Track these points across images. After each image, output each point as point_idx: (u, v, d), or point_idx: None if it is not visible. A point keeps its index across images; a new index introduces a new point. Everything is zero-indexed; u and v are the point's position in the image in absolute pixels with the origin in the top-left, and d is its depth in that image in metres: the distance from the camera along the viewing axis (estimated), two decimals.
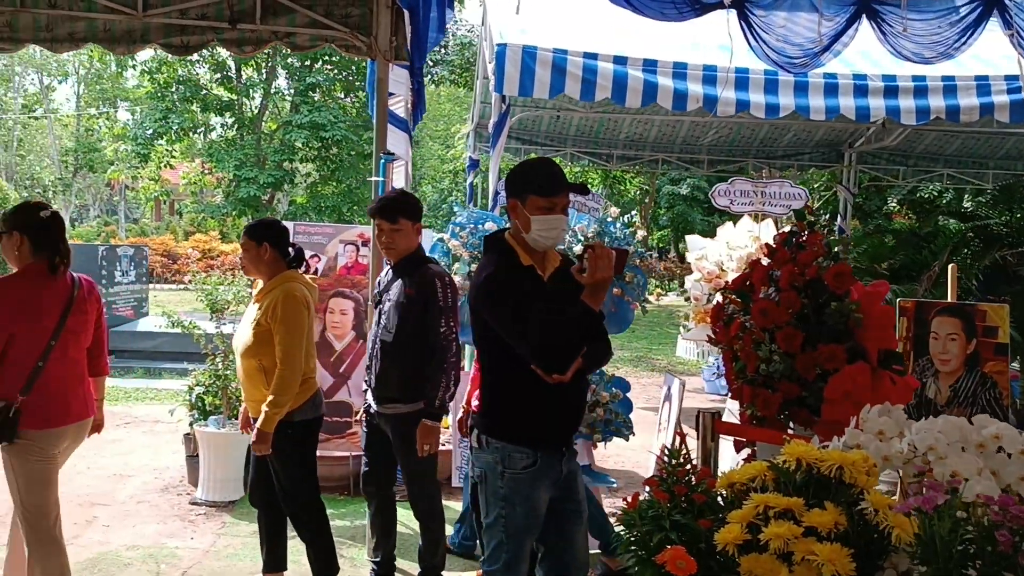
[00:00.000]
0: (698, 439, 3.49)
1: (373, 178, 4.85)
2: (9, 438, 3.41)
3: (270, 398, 3.77)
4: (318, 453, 5.55)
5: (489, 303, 2.88)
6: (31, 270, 3.51)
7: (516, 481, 2.88)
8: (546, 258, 3.04)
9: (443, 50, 23.67)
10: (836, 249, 3.55)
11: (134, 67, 25.00)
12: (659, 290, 20.00)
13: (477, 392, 4.49)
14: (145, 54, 24.31)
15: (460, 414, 4.67)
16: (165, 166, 25.33)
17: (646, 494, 3.31)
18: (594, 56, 6.15)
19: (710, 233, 10.75)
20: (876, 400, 2.52)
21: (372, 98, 6.16)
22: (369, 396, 4.12)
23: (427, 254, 4.20)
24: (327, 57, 22.26)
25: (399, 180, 5.57)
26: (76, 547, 4.86)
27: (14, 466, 3.51)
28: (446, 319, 3.90)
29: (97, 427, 3.90)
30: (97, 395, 3.85)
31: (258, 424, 3.81)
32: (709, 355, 10.64)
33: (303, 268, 4.17)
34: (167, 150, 24.64)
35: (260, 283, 4.03)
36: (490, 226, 4.85)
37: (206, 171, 24.55)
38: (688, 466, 3.10)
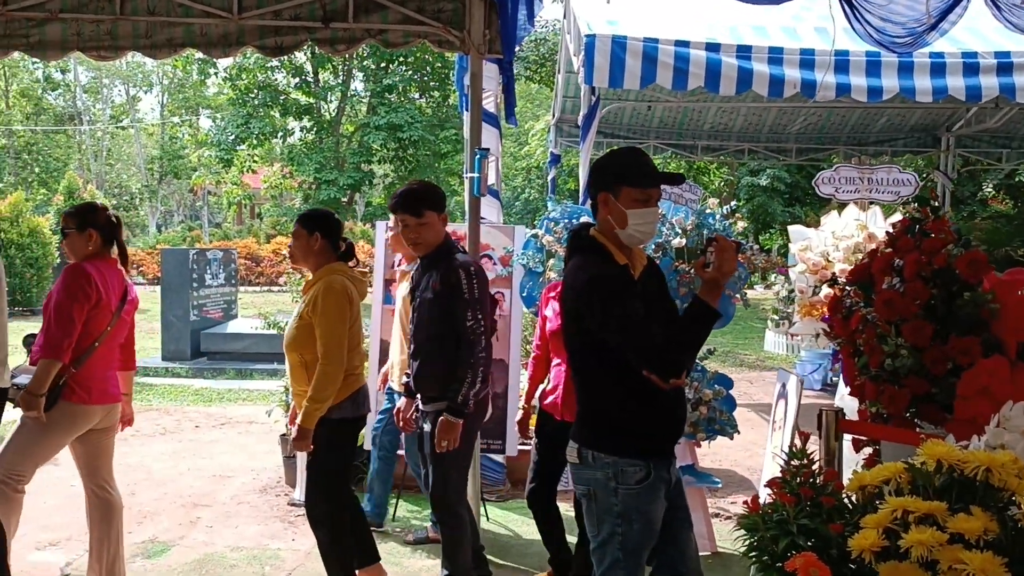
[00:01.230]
0: (820, 439, 3.32)
1: (468, 174, 4.78)
2: (48, 406, 3.69)
3: (310, 393, 3.66)
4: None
5: (598, 307, 2.67)
6: (103, 260, 3.91)
7: (631, 496, 2.71)
8: (635, 256, 2.87)
9: (517, 47, 23.62)
10: (969, 236, 3.34)
11: (215, 75, 25.61)
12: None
13: (540, 392, 4.40)
14: (226, 61, 24.89)
15: (520, 414, 4.56)
16: (246, 171, 25.87)
17: (767, 496, 3.14)
18: (686, 44, 5.99)
19: (800, 224, 10.45)
20: (1017, 396, 2.34)
21: (461, 94, 6.12)
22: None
23: (456, 246, 3.99)
24: (403, 58, 22.43)
25: (491, 176, 5.50)
26: (182, 547, 4.92)
27: (29, 433, 3.81)
28: (472, 312, 3.72)
29: (127, 421, 4.24)
30: (125, 389, 4.14)
31: (298, 420, 3.73)
32: (802, 350, 10.33)
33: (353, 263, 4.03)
34: (248, 155, 25.16)
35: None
36: (585, 220, 4.75)
37: (286, 175, 24.98)
38: (813, 467, 2.94)
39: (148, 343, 13.73)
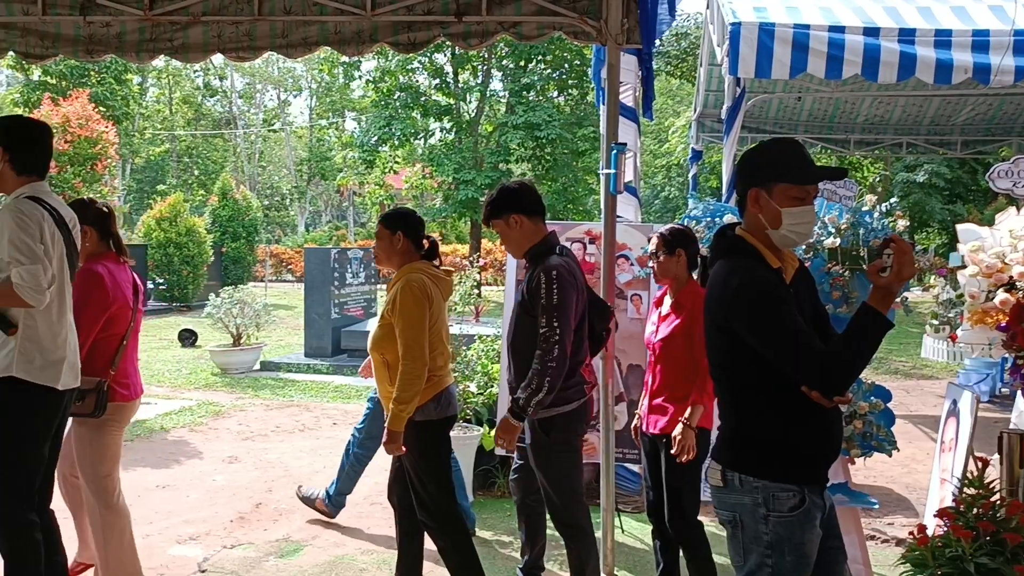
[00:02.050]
0: (1001, 464, 2.94)
1: (604, 170, 4.56)
2: (100, 412, 3.73)
3: (395, 395, 3.55)
4: None
5: (753, 316, 2.40)
6: (106, 256, 3.90)
7: (783, 525, 2.42)
8: (786, 258, 2.57)
9: (657, 41, 23.16)
10: None
11: (360, 78, 26.30)
12: None
13: (656, 402, 4.03)
14: (370, 64, 25.51)
15: (636, 420, 4.20)
16: (389, 171, 26.42)
17: (936, 527, 2.80)
18: (840, 29, 5.57)
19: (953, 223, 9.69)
20: None
21: (598, 88, 5.90)
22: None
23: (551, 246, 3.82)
24: (541, 56, 22.36)
25: (628, 172, 5.26)
26: (314, 548, 4.92)
27: (92, 440, 3.82)
28: (548, 318, 3.56)
29: None
30: None
31: (387, 423, 3.60)
32: (966, 358, 9.58)
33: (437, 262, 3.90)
34: (390, 156, 25.68)
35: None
36: (729, 218, 4.45)
37: (426, 175, 25.35)
38: (993, 497, 2.59)
39: (293, 339, 14.19)
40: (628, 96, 5.89)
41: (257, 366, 11.54)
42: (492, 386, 5.98)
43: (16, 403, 3.32)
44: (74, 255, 3.53)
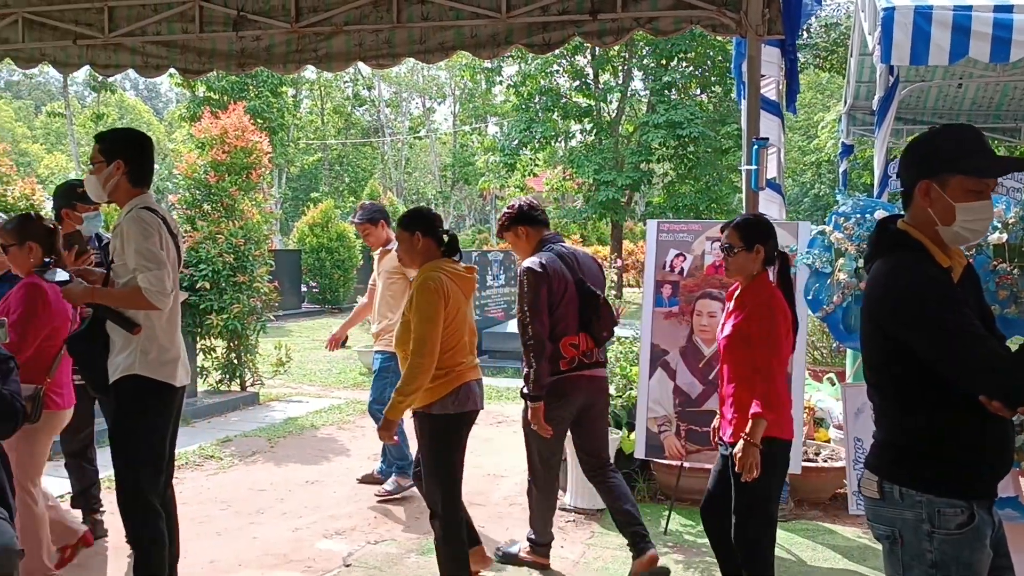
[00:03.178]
0: None
1: (744, 166, 4.42)
2: (36, 418, 3.76)
3: (399, 385, 3.70)
4: (688, 465, 5.30)
5: (924, 318, 2.19)
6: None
7: (950, 544, 2.22)
8: (954, 256, 2.36)
9: (804, 32, 22.34)
10: None
11: (501, 83, 26.61)
12: None
13: (724, 408, 3.80)
14: (511, 69, 25.78)
15: (715, 421, 3.96)
16: (529, 174, 26.60)
17: None
18: (1008, 8, 5.17)
19: None
20: None
21: (739, 82, 5.72)
22: None
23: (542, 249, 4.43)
24: (683, 53, 21.99)
25: (772, 168, 5.07)
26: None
27: (21, 446, 3.81)
28: (520, 303, 4.24)
29: None
30: None
31: (385, 409, 3.78)
32: None
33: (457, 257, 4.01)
34: (531, 159, 25.86)
35: None
36: (880, 214, 4.21)
37: (567, 177, 25.38)
38: None
39: None
40: (771, 90, 5.69)
41: None
42: (631, 388, 5.89)
43: (140, 399, 3.54)
44: (179, 261, 3.74)
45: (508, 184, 28.49)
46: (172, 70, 5.42)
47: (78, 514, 4.83)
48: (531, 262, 4.27)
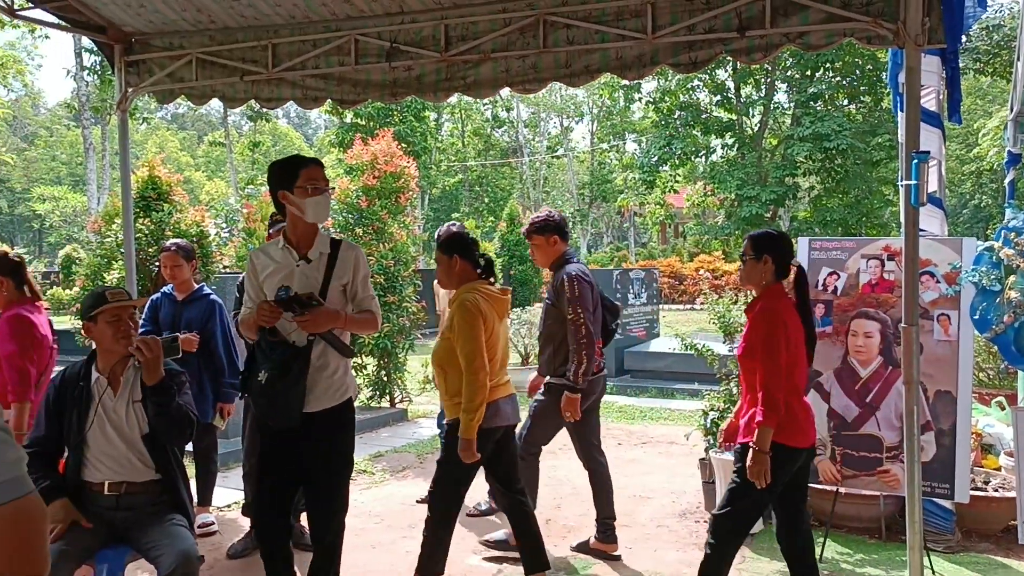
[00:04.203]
0: None
1: (903, 182, 4.24)
2: None
3: (463, 405, 3.94)
4: (844, 490, 5.12)
5: None
6: (25, 303, 4.28)
7: None
8: None
9: (963, 37, 21.23)
10: None
11: (640, 100, 26.53)
12: None
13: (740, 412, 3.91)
14: (650, 85, 25.65)
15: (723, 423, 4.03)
16: (669, 191, 26.34)
17: None
18: None
19: None
20: None
21: (895, 93, 5.52)
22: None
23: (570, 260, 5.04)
24: (830, 63, 21.30)
25: (932, 182, 4.86)
26: (603, 566, 4.97)
27: None
28: (573, 307, 4.76)
29: None
30: None
31: (459, 433, 3.97)
32: None
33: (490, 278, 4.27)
34: (671, 175, 25.62)
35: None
36: None
37: (708, 193, 24.98)
38: None
39: None
40: (931, 100, 5.46)
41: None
42: None
43: (353, 421, 3.80)
44: None
45: (648, 201, 28.32)
46: (329, 101, 5.69)
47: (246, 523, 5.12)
48: (577, 270, 4.90)
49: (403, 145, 10.06)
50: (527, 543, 4.34)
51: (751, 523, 3.83)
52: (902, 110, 4.53)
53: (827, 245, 5.41)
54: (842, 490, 5.15)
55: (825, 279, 5.31)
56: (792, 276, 3.83)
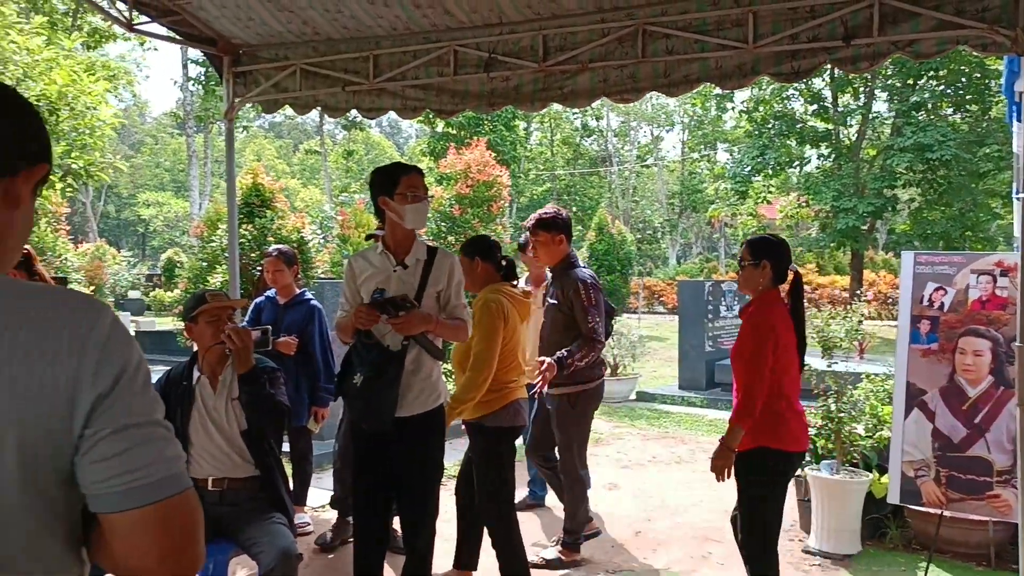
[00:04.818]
0: None
1: (1019, 194, 4.08)
2: None
3: (455, 394, 4.08)
4: (949, 514, 4.94)
5: None
6: None
7: None
8: None
9: None
10: None
11: (732, 109, 26.16)
12: None
13: None
14: (743, 94, 25.27)
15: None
16: (762, 202, 25.87)
17: None
18: None
19: None
20: None
21: (1011, 102, 5.30)
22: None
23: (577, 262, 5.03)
24: (934, 71, 20.61)
25: None
26: None
27: None
28: (588, 315, 4.78)
29: None
30: None
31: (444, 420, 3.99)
32: None
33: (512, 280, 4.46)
34: (764, 186, 25.15)
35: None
36: None
37: (802, 204, 24.42)
38: None
39: (666, 371, 14.35)
40: None
41: (633, 396, 11.83)
42: (882, 429, 5.56)
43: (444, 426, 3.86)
44: None
45: (739, 212, 27.85)
46: (428, 111, 5.78)
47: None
48: (590, 276, 4.95)
49: (492, 154, 10.14)
50: (470, 538, 4.60)
51: (777, 527, 3.87)
52: (1019, 119, 4.36)
53: (933, 259, 5.23)
54: (947, 513, 4.96)
55: (931, 294, 5.13)
56: (789, 282, 3.90)
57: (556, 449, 5.22)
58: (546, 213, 5.05)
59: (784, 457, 3.73)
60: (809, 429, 5.64)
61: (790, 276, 3.89)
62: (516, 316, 4.26)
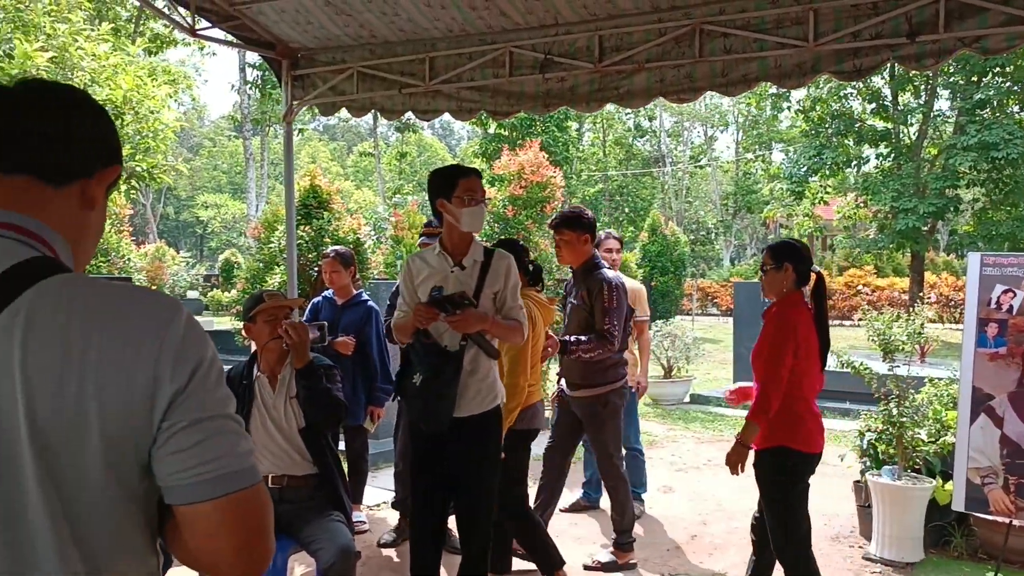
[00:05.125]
0: None
1: None
2: None
3: (506, 403, 3.99)
4: (1018, 523, 4.82)
5: None
6: None
7: None
8: None
9: None
10: None
11: (788, 108, 25.78)
12: None
13: None
14: (799, 93, 24.90)
15: None
16: (818, 202, 25.46)
17: None
18: None
19: None
20: None
21: None
22: (562, 382, 5.11)
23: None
24: (999, 68, 20.08)
25: None
26: None
27: None
28: (608, 317, 4.68)
29: None
30: None
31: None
32: None
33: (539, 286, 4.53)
34: (821, 186, 24.75)
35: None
36: None
37: (860, 204, 23.96)
38: None
39: (720, 373, 14.20)
40: None
41: (687, 398, 11.72)
42: (945, 434, 5.43)
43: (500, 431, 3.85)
44: None
45: (795, 212, 27.44)
46: (483, 112, 5.80)
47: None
48: (616, 277, 4.89)
49: (544, 155, 10.13)
50: (498, 542, 4.55)
51: (801, 522, 3.89)
52: None
53: (1002, 261, 5.09)
54: (1016, 522, 4.83)
55: (999, 297, 5.00)
56: (812, 284, 3.96)
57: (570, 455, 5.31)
58: (572, 212, 4.94)
59: (802, 458, 3.81)
60: (869, 433, 5.58)
61: (813, 278, 3.95)
62: (541, 322, 4.33)
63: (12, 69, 6.02)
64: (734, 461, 3.83)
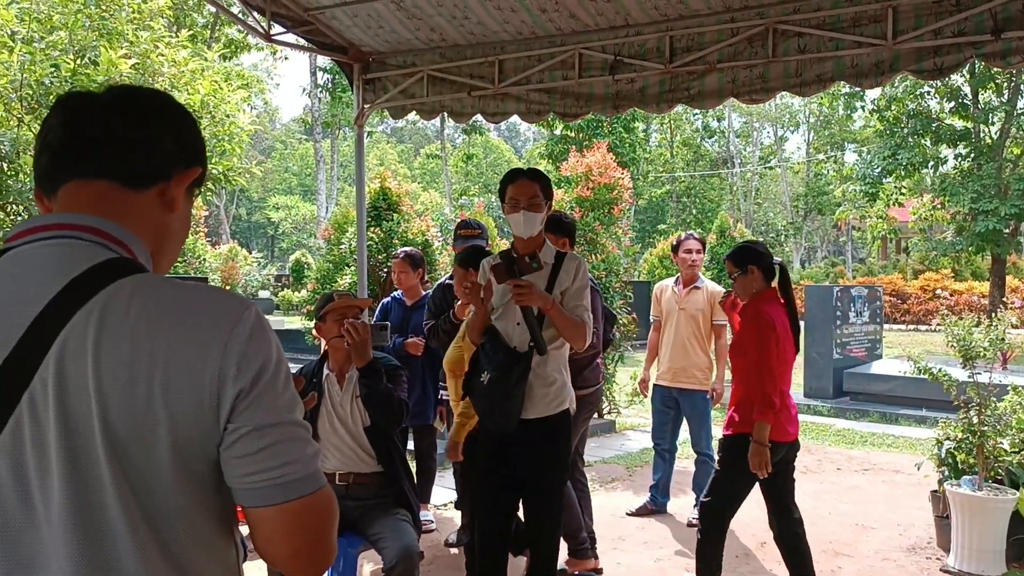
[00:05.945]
0: None
1: None
2: None
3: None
4: None
5: None
6: None
7: None
8: None
9: None
10: None
11: (862, 108, 25.21)
12: None
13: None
14: (873, 92, 24.34)
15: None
16: (893, 204, 24.85)
17: None
18: None
19: None
20: None
21: None
22: None
23: None
24: None
25: None
26: None
27: None
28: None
29: None
30: None
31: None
32: None
33: None
34: (895, 187, 24.15)
35: None
36: None
37: (937, 206, 23.30)
38: None
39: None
40: None
41: None
42: None
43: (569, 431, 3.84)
44: None
45: (869, 214, 26.82)
46: (551, 114, 5.79)
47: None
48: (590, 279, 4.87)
49: (611, 156, 10.07)
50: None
51: (733, 509, 4.19)
52: None
53: None
54: None
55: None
56: (777, 276, 4.14)
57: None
58: (552, 215, 4.71)
59: (773, 446, 3.96)
60: (948, 442, 5.42)
61: (777, 271, 4.15)
62: None
63: (98, 76, 6.22)
64: (758, 462, 3.92)
